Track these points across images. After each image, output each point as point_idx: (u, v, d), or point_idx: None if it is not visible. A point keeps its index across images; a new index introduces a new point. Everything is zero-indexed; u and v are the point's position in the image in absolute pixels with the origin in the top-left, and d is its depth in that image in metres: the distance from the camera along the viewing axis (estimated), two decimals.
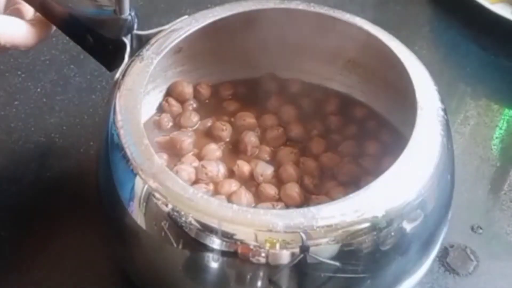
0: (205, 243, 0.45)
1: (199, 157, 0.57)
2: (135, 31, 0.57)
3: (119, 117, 0.50)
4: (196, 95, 0.63)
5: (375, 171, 0.49)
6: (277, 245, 0.44)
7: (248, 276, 0.46)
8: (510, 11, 0.83)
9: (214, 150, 0.58)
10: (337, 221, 0.44)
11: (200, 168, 0.55)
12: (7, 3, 0.58)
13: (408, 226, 0.47)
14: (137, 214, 0.47)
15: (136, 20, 0.57)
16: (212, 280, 0.47)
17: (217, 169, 0.55)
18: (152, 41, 0.57)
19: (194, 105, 0.62)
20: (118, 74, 0.55)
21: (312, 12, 0.59)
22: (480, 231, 0.64)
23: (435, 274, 0.60)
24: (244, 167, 0.56)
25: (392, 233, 0.46)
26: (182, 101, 0.62)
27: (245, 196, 0.53)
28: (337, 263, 0.45)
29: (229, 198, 0.53)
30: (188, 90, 0.62)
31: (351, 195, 0.46)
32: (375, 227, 0.45)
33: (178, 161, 0.56)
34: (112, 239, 0.54)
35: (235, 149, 0.59)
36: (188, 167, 0.55)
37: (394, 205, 0.46)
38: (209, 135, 0.60)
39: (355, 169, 0.56)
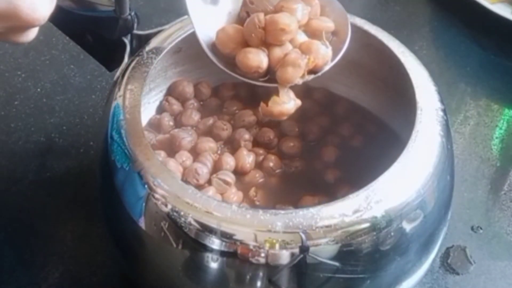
0: (205, 243, 0.45)
1: (194, 152, 0.57)
2: (135, 31, 0.57)
3: (119, 117, 0.51)
4: (197, 94, 0.63)
5: (374, 171, 0.49)
6: (277, 245, 0.44)
7: (248, 276, 0.46)
8: (510, 11, 0.83)
9: (211, 148, 0.58)
10: (336, 222, 0.44)
11: (193, 172, 0.54)
12: None
13: (407, 226, 0.47)
14: (136, 214, 0.47)
15: (136, 20, 0.57)
16: (211, 280, 0.47)
17: (207, 170, 0.55)
18: (152, 41, 0.57)
19: (195, 104, 0.62)
20: (118, 74, 0.55)
21: None
22: (480, 231, 0.64)
23: (435, 274, 0.60)
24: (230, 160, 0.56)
25: (392, 233, 0.46)
26: (183, 101, 0.62)
27: (235, 194, 0.54)
28: (337, 264, 0.45)
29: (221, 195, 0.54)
30: (189, 89, 0.62)
31: (350, 195, 0.46)
32: (374, 227, 0.45)
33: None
34: (112, 239, 0.54)
35: (232, 149, 0.59)
36: (177, 160, 0.55)
37: (393, 205, 0.46)
38: (210, 134, 0.60)
39: (353, 169, 0.56)
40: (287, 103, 0.49)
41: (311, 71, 0.49)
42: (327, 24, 0.50)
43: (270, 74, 0.49)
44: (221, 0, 0.51)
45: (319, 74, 0.49)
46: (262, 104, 0.49)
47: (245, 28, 0.49)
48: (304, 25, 0.50)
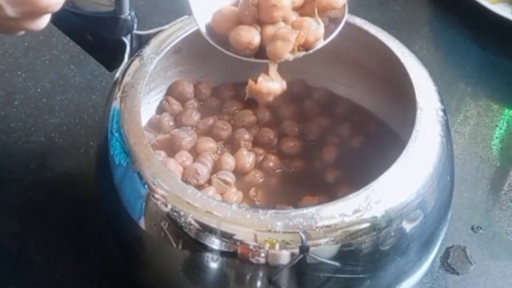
0: (205, 243, 0.45)
1: (194, 152, 0.57)
2: (135, 31, 0.57)
3: (119, 117, 0.51)
4: (197, 94, 0.63)
5: (374, 171, 0.49)
6: (277, 245, 0.44)
7: (248, 276, 0.46)
8: (510, 11, 0.83)
9: (211, 148, 0.58)
10: (336, 222, 0.44)
11: (193, 172, 0.54)
12: None
13: (407, 226, 0.47)
14: (136, 214, 0.47)
15: (136, 20, 0.57)
16: (211, 280, 0.47)
17: (207, 170, 0.55)
18: (152, 41, 0.57)
19: (195, 104, 0.62)
20: (118, 74, 0.55)
21: None
22: (480, 231, 0.64)
23: (435, 274, 0.60)
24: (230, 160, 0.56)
25: (392, 233, 0.46)
26: (183, 101, 0.62)
27: (235, 194, 0.54)
28: (337, 263, 0.45)
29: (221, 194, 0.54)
30: (189, 89, 0.62)
31: (350, 195, 0.46)
32: (374, 227, 0.45)
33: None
34: (112, 239, 0.54)
35: (232, 149, 0.59)
36: (177, 160, 0.55)
37: (393, 205, 0.46)
38: (210, 134, 0.60)
39: (353, 169, 0.56)
40: (274, 82, 0.49)
41: (303, 48, 0.49)
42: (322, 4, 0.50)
43: (263, 52, 0.49)
44: None
45: (311, 51, 0.49)
46: (250, 81, 0.49)
47: (239, 7, 0.49)
48: (300, 7, 0.50)
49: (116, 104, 0.52)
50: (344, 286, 0.47)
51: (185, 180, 0.53)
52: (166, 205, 0.46)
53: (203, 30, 0.50)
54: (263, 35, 0.48)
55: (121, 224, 0.50)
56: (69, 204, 0.64)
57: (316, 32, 0.48)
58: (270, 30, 0.48)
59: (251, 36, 0.48)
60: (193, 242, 0.45)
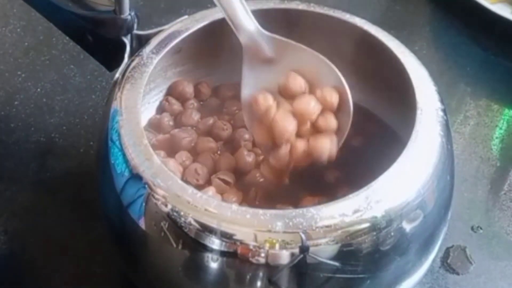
0: (205, 244, 0.45)
1: (194, 152, 0.57)
2: (135, 31, 0.57)
3: (119, 117, 0.51)
4: (197, 94, 0.63)
5: (374, 171, 0.49)
6: (277, 245, 0.44)
7: (248, 277, 0.46)
8: (510, 11, 0.83)
9: (211, 148, 0.58)
10: (336, 222, 0.44)
11: (193, 172, 0.54)
12: None
13: (407, 226, 0.47)
14: (136, 214, 0.47)
15: (136, 20, 0.57)
16: (211, 281, 0.47)
17: (207, 170, 0.55)
18: (152, 41, 0.57)
19: (195, 104, 0.62)
20: (118, 74, 0.55)
21: (312, 12, 0.59)
22: (480, 231, 0.64)
23: (435, 274, 0.60)
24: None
25: (392, 233, 0.46)
26: (183, 101, 0.62)
27: (235, 194, 0.54)
28: (337, 264, 0.45)
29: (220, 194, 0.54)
30: (189, 89, 0.62)
31: (350, 195, 0.46)
32: (374, 227, 0.45)
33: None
34: (112, 240, 0.54)
35: (232, 149, 0.59)
36: (177, 160, 0.55)
37: (393, 205, 0.46)
38: (210, 134, 0.60)
39: (353, 169, 0.56)
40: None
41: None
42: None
43: None
44: (273, 68, 0.56)
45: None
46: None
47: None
48: (314, 121, 0.54)
49: (116, 104, 0.52)
50: (344, 286, 0.47)
51: (185, 180, 0.53)
52: (166, 205, 0.46)
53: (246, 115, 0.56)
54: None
55: (121, 224, 0.50)
56: (69, 204, 0.64)
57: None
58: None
59: (261, 138, 0.55)
60: (193, 242, 0.45)
